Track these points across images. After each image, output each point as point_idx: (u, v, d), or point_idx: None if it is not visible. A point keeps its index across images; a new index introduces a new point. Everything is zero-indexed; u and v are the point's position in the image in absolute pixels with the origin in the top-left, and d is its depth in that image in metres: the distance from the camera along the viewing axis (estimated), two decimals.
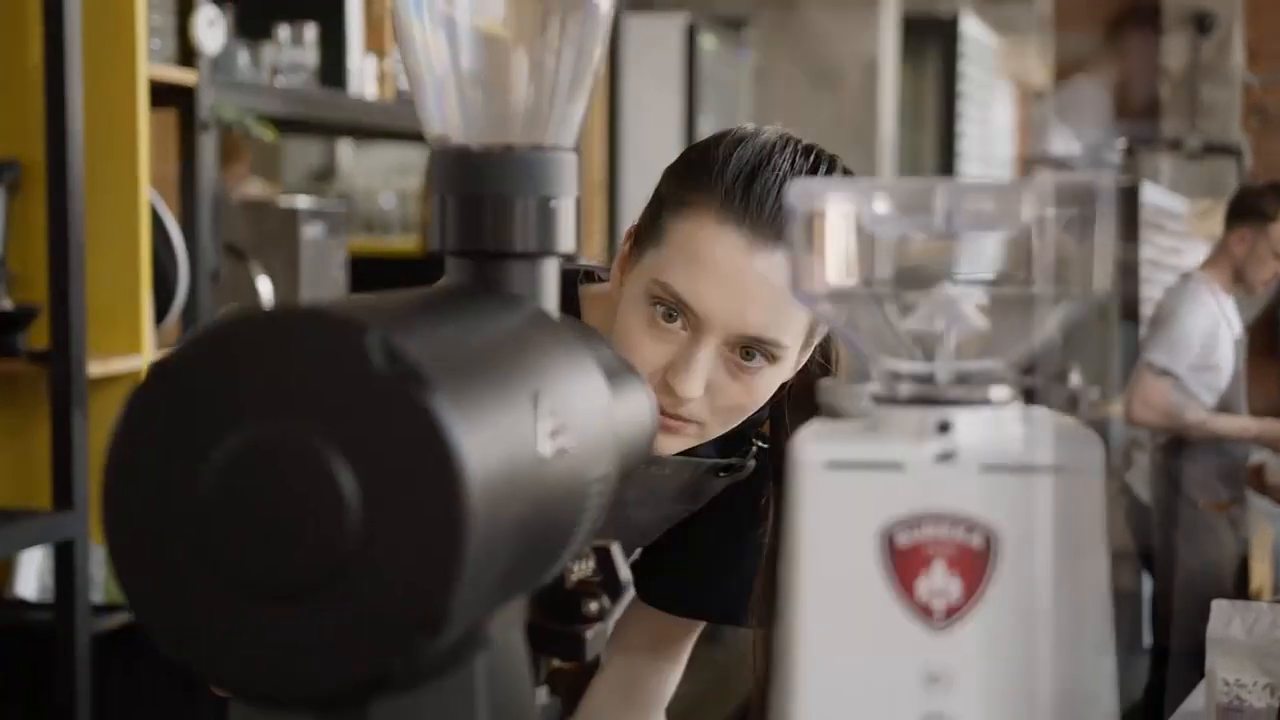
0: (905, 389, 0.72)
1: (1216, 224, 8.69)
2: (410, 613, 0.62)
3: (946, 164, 7.64)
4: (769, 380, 1.27)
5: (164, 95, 2.71)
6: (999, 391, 0.72)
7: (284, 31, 3.11)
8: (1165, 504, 4.20)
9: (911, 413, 0.71)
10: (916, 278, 0.74)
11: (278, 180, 4.62)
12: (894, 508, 0.70)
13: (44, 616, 2.53)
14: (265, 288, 2.89)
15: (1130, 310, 7.25)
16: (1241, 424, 4.22)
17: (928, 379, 0.73)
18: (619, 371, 0.88)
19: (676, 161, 1.32)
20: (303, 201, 3.05)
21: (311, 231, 2.96)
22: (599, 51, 0.87)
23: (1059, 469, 0.69)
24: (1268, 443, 4.29)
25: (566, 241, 0.85)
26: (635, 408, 0.89)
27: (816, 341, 1.32)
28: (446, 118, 0.85)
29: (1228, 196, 4.66)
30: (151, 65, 2.62)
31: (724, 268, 1.22)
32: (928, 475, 0.70)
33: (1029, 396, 0.75)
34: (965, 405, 0.71)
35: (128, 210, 2.54)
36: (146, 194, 2.56)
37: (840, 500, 0.70)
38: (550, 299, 0.85)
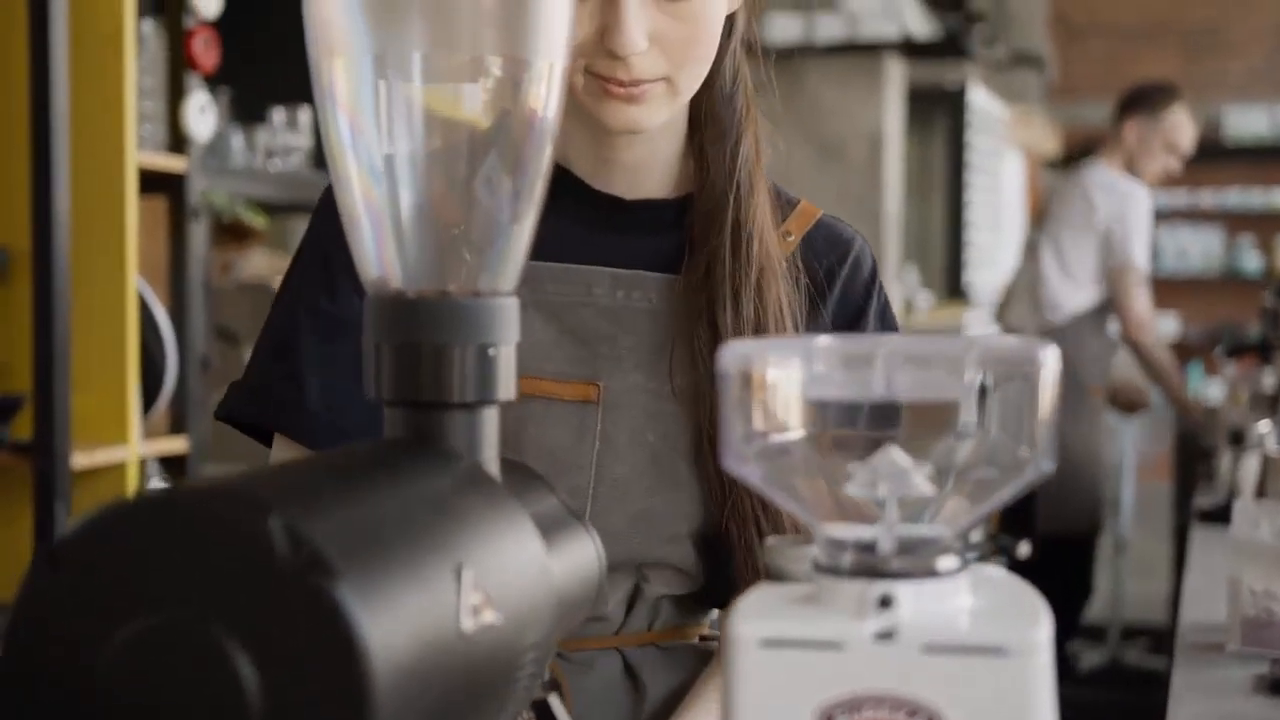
0: (847, 559, 0.69)
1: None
2: None
3: (954, 233, 7.62)
4: (709, 3, 1.20)
5: (155, 182, 2.70)
6: (945, 562, 0.69)
7: (278, 115, 3.10)
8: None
9: (853, 584, 0.68)
10: (858, 441, 0.71)
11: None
12: (832, 689, 0.66)
13: None
14: None
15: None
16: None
17: (870, 547, 0.69)
18: (560, 524, 0.84)
19: None
20: None
21: None
22: (539, 191, 0.84)
23: (1005, 650, 0.65)
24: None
25: (507, 389, 0.82)
26: (578, 560, 0.85)
27: None
28: (383, 262, 0.83)
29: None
30: (142, 153, 2.61)
31: None
32: (868, 655, 0.66)
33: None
34: (909, 578, 0.68)
35: (115, 299, 2.52)
36: (134, 282, 2.54)
37: (777, 680, 0.67)
38: (489, 449, 0.82)
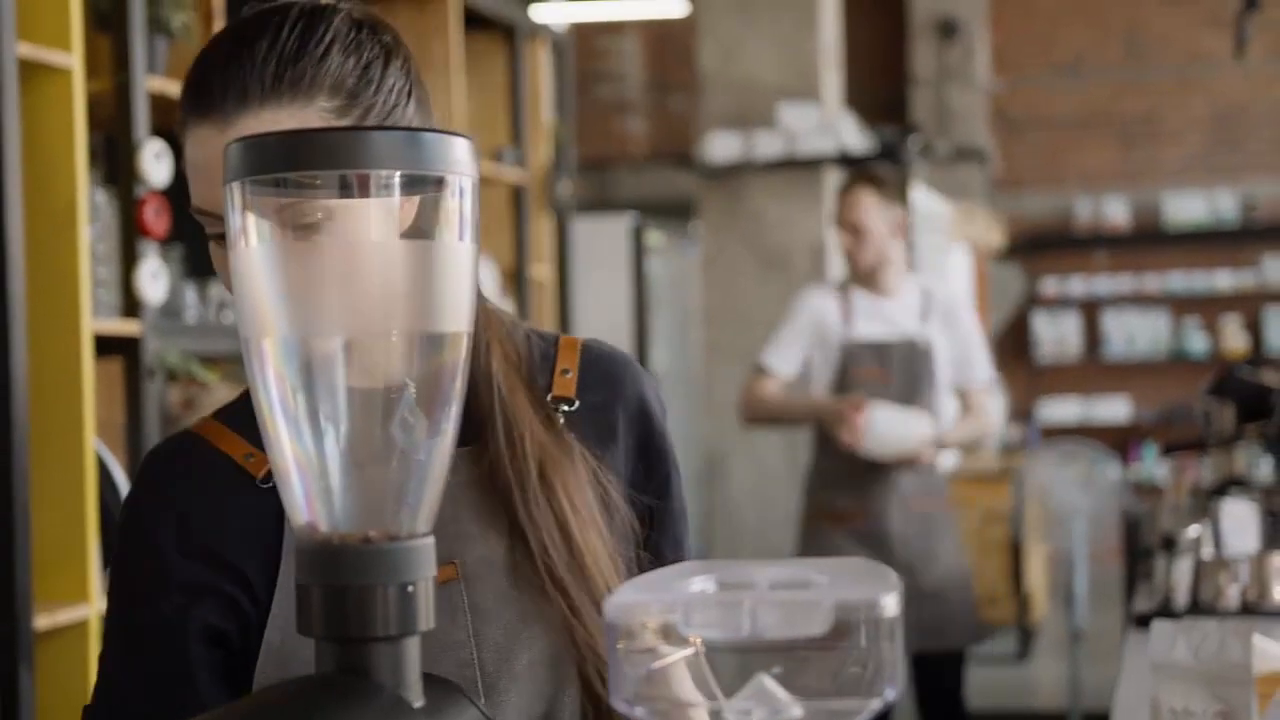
0: None
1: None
2: None
3: None
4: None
5: (110, 345, 2.79)
6: None
7: None
8: None
9: None
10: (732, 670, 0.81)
11: None
12: None
13: None
14: None
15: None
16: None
17: None
18: None
19: None
20: None
21: None
22: (450, 439, 0.94)
23: None
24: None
25: (427, 619, 0.91)
26: None
27: None
28: (311, 509, 0.92)
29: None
30: (97, 319, 2.70)
31: (201, 162, 1.21)
32: None
33: None
34: None
35: (73, 462, 2.60)
36: (92, 444, 2.63)
37: None
38: (412, 674, 0.91)
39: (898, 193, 4.07)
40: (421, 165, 0.90)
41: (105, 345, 2.77)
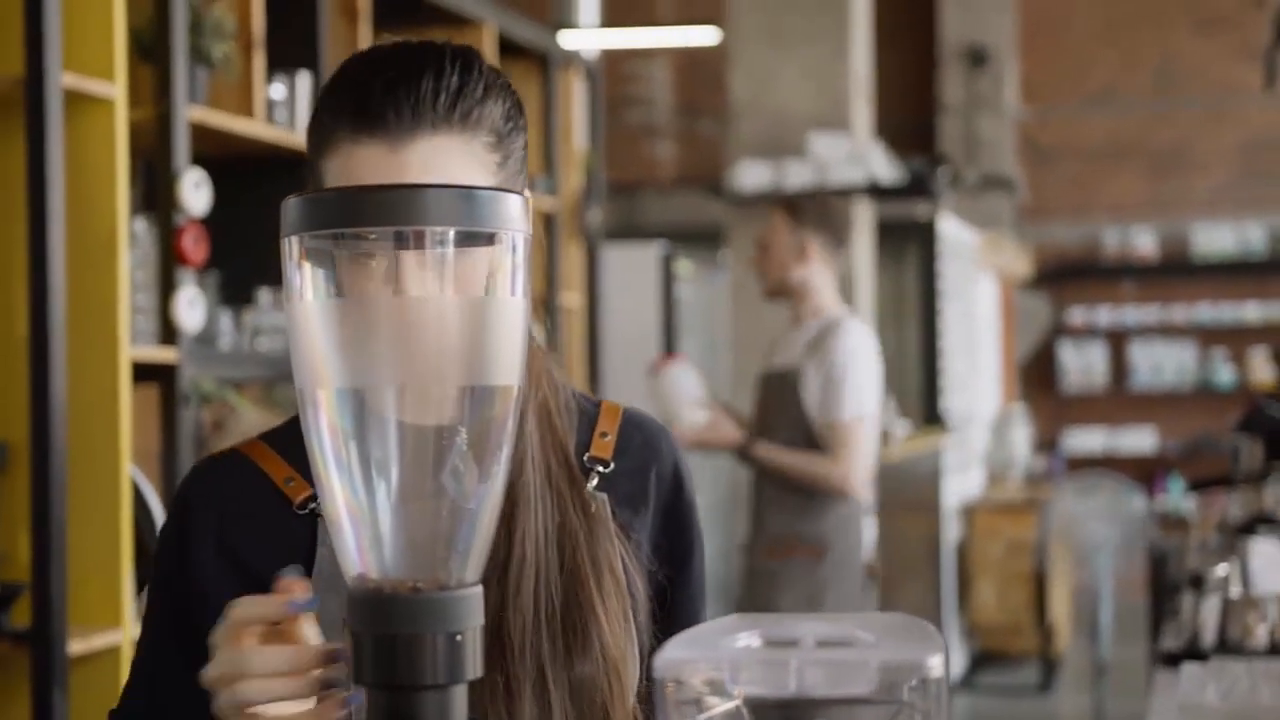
0: None
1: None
2: None
3: (929, 360, 7.75)
4: (481, 264, 1.21)
5: (146, 372, 2.82)
6: None
7: (264, 295, 3.24)
8: None
9: None
10: None
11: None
12: None
13: None
14: None
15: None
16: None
17: None
18: None
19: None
20: None
21: None
22: (500, 487, 0.95)
23: None
24: None
25: (475, 668, 0.93)
26: None
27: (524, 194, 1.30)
28: (363, 560, 0.93)
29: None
30: (134, 347, 2.73)
31: (367, 179, 1.18)
32: None
33: None
34: None
35: (109, 488, 2.62)
36: (128, 470, 2.65)
37: None
38: None
39: (813, 221, 4.04)
40: (475, 222, 0.92)
41: (141, 372, 2.80)
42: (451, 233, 0.91)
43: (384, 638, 0.91)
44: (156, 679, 1.30)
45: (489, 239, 0.92)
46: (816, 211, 4.05)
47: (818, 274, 4.02)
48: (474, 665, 0.92)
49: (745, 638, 0.83)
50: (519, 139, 1.26)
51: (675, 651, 0.81)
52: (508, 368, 0.93)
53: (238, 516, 1.29)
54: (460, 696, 0.92)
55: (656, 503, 1.36)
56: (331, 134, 1.21)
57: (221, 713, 1.03)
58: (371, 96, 1.19)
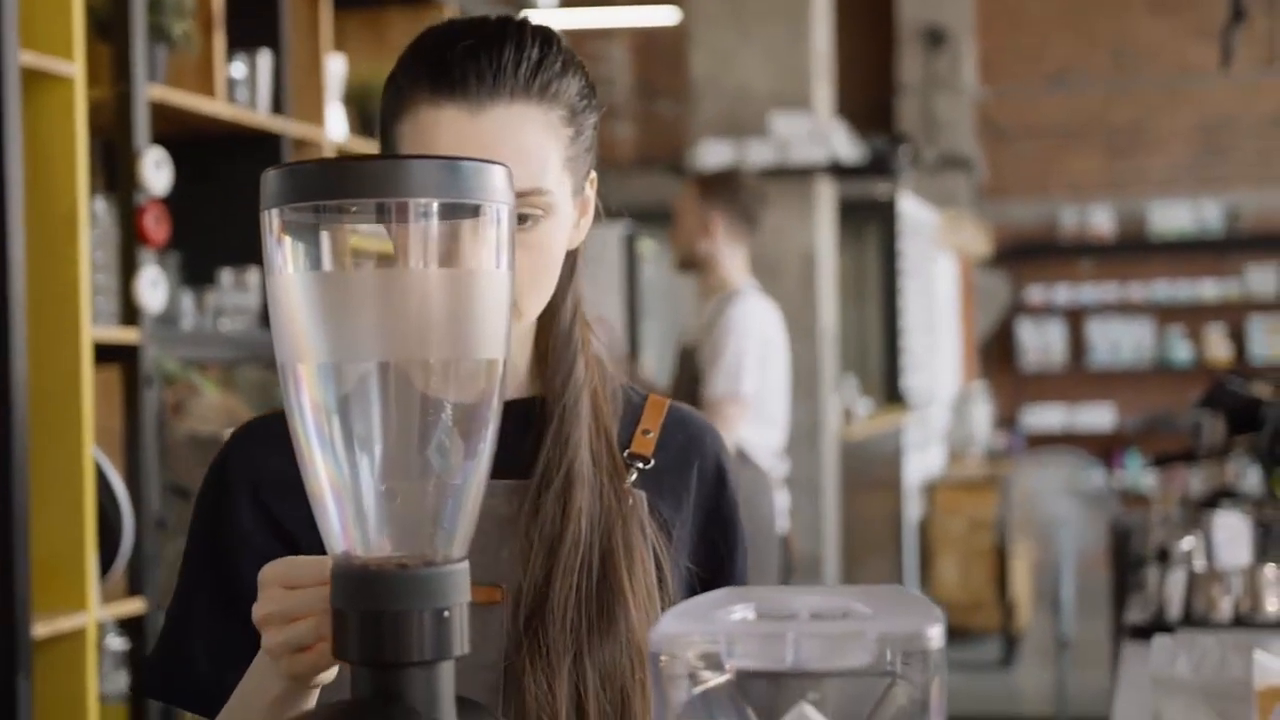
0: None
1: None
2: None
3: (890, 339, 7.78)
4: (551, 234, 1.24)
5: (108, 352, 2.78)
6: None
7: (226, 276, 3.21)
8: None
9: None
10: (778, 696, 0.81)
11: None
12: None
13: None
14: None
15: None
16: None
17: None
18: None
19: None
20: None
21: None
22: (486, 463, 0.94)
23: None
24: None
25: (461, 645, 0.92)
26: None
27: (590, 173, 1.30)
28: (347, 537, 0.92)
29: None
30: (96, 327, 2.70)
31: (445, 143, 1.20)
32: None
33: None
34: None
35: (72, 469, 2.60)
36: (91, 452, 2.62)
37: None
38: (445, 699, 0.91)
39: (721, 198, 4.09)
40: (459, 193, 0.90)
41: (103, 353, 2.77)
42: (435, 204, 0.90)
43: (370, 614, 0.90)
44: (190, 627, 1.29)
45: (473, 210, 0.91)
46: (725, 188, 4.11)
47: (723, 249, 4.06)
48: (461, 641, 0.91)
49: (740, 610, 0.82)
50: (591, 117, 1.28)
51: (670, 625, 0.80)
52: (493, 341, 0.92)
53: (272, 477, 1.29)
54: (447, 673, 0.91)
55: (698, 500, 1.36)
56: (409, 98, 1.22)
57: (272, 652, 1.02)
58: (453, 61, 1.20)
